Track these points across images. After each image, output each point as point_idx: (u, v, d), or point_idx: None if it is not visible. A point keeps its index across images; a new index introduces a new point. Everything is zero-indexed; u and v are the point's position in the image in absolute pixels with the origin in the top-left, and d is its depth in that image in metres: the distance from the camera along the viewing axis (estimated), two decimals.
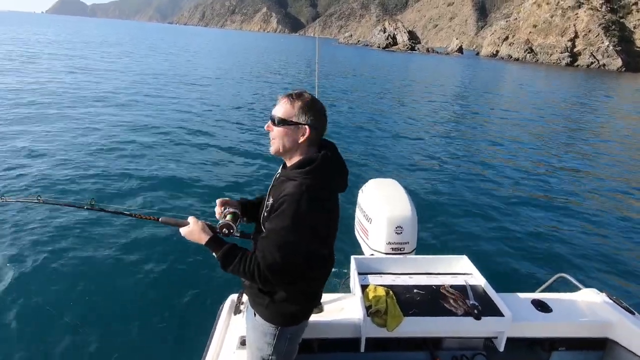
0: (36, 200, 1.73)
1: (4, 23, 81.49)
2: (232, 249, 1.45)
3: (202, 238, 1.49)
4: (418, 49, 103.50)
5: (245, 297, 2.14)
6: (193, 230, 1.52)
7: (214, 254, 1.47)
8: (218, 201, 1.66)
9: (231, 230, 1.56)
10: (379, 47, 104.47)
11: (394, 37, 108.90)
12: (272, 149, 1.47)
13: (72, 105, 11.79)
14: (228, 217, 1.59)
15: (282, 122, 1.41)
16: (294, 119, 1.40)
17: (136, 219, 1.70)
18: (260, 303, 1.56)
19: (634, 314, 2.11)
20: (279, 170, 1.55)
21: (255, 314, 1.61)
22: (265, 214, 1.47)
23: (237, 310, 2.12)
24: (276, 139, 1.44)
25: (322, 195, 1.38)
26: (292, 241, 1.34)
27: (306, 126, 1.40)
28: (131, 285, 3.94)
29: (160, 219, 1.64)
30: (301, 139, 1.41)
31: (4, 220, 4.81)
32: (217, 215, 1.63)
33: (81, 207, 1.72)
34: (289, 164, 1.48)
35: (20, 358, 3.00)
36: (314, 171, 1.36)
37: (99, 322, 3.42)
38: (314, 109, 1.41)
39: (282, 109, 1.42)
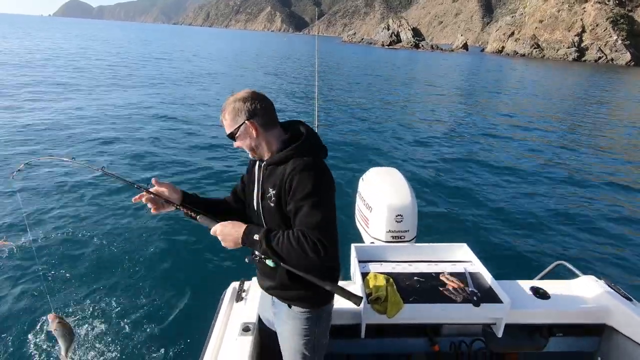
0: (100, 172, 1.75)
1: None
2: (269, 228, 1.40)
3: (238, 231, 1.40)
4: (422, 46, 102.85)
5: (247, 285, 2.18)
6: (228, 230, 1.42)
7: (255, 236, 1.37)
8: (156, 181, 1.54)
9: None
10: (382, 44, 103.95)
11: (397, 35, 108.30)
12: (250, 156, 1.53)
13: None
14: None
15: (232, 135, 1.48)
16: (235, 126, 1.45)
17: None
18: (294, 295, 1.56)
19: (631, 300, 2.11)
20: (255, 167, 1.54)
21: (290, 306, 1.60)
22: (272, 204, 1.43)
23: (238, 298, 2.13)
24: (244, 148, 1.50)
25: (322, 163, 1.43)
26: (322, 200, 1.34)
27: (246, 122, 1.43)
28: (133, 274, 3.96)
29: (198, 218, 1.52)
30: (255, 133, 1.44)
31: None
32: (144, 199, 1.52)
33: (132, 186, 1.62)
34: (268, 155, 1.49)
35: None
36: (305, 143, 1.42)
37: (101, 309, 3.43)
38: (240, 104, 1.44)
39: (225, 127, 1.49)
